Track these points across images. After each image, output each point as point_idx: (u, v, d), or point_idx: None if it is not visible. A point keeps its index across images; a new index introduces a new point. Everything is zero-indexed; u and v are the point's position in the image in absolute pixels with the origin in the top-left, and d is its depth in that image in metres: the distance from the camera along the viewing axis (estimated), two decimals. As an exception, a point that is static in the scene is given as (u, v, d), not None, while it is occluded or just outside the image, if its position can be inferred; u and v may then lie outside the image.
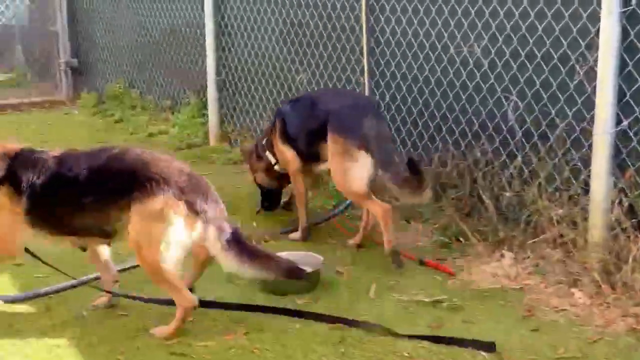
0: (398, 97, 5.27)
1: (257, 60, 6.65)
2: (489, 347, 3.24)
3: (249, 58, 6.76)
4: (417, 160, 4.12)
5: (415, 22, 5.06)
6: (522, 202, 4.27)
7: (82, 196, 3.32)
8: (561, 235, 4.01)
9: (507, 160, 4.49)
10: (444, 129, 4.94)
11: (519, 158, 4.39)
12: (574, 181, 4.10)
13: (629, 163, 3.87)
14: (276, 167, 4.81)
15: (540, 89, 4.33)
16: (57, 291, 3.85)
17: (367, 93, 5.36)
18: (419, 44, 5.07)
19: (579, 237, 3.94)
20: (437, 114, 5.00)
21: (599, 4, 3.85)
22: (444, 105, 4.95)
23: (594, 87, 3.91)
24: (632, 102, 3.84)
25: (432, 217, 4.71)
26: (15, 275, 4.05)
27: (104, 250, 3.67)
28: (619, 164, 3.88)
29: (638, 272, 3.59)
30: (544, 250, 4.03)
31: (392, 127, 5.27)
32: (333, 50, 5.76)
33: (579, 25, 4.06)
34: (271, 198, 5.04)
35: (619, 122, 3.84)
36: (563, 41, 4.16)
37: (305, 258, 4.08)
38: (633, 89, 3.82)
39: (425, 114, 5.08)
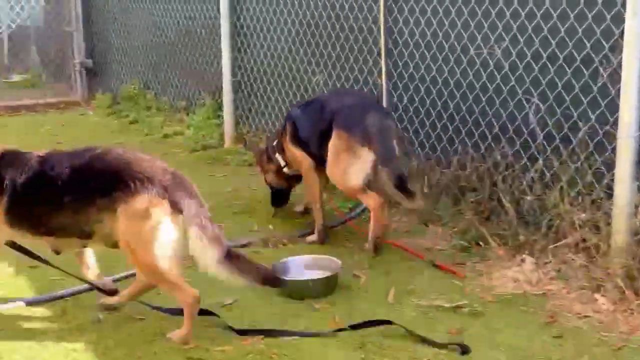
0: (416, 99, 5.21)
1: (273, 61, 6.61)
2: (464, 348, 3.24)
3: (264, 59, 6.72)
4: (405, 177, 4.25)
5: (435, 23, 5.01)
6: (544, 206, 4.20)
7: (63, 195, 3.29)
8: (584, 240, 3.95)
9: (528, 164, 4.42)
10: (463, 131, 4.89)
11: (540, 161, 4.33)
12: (597, 185, 4.04)
13: (654, 167, 3.80)
14: (285, 170, 4.87)
15: (563, 91, 4.27)
16: (75, 293, 3.83)
17: (384, 95, 5.32)
18: (438, 45, 5.01)
19: (602, 242, 3.86)
20: (456, 117, 4.94)
21: (623, 5, 3.78)
22: (463, 108, 4.89)
23: (618, 90, 3.84)
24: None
25: (451, 221, 4.65)
26: (31, 277, 4.04)
27: (89, 259, 3.67)
28: (643, 168, 3.82)
29: (663, 278, 3.53)
30: (566, 255, 3.97)
31: (409, 129, 5.24)
32: (350, 51, 5.71)
33: (602, 27, 4.00)
34: (280, 197, 5.11)
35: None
36: (586, 43, 4.10)
37: (324, 262, 4.05)
38: (658, 91, 3.76)
39: (444, 116, 5.03)
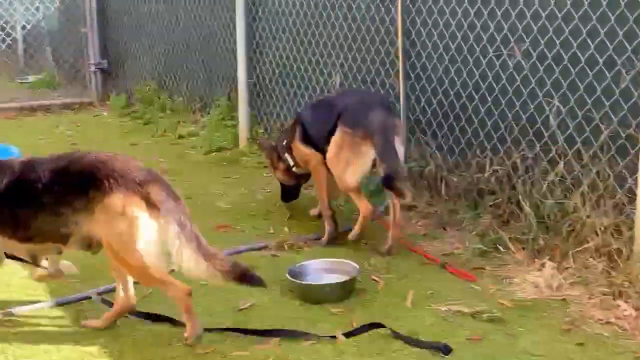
0: (434, 101, 5.16)
1: (289, 62, 6.57)
2: (445, 348, 3.22)
3: (280, 60, 6.68)
4: (394, 176, 4.21)
5: (453, 24, 4.95)
6: (564, 210, 4.14)
7: (40, 198, 3.30)
8: (605, 245, 3.88)
9: (548, 167, 4.36)
10: (481, 134, 4.83)
11: (561, 165, 4.27)
12: (619, 189, 3.98)
13: (677, 171, 3.74)
14: (294, 169, 4.94)
15: (584, 94, 4.21)
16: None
17: (402, 96, 5.26)
18: (456, 47, 4.96)
19: (624, 247, 3.81)
20: (474, 119, 4.89)
21: (647, 6, 3.73)
22: (482, 110, 4.83)
23: (641, 92, 3.79)
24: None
25: (470, 224, 4.59)
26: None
27: (69, 269, 3.69)
28: (666, 172, 3.75)
29: (685, 284, 3.47)
30: (587, 260, 3.90)
31: (427, 131, 5.19)
32: (367, 52, 5.66)
33: (625, 29, 3.94)
34: (290, 192, 5.20)
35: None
36: (609, 45, 4.03)
37: (342, 265, 4.00)
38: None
39: (463, 119, 4.97)
